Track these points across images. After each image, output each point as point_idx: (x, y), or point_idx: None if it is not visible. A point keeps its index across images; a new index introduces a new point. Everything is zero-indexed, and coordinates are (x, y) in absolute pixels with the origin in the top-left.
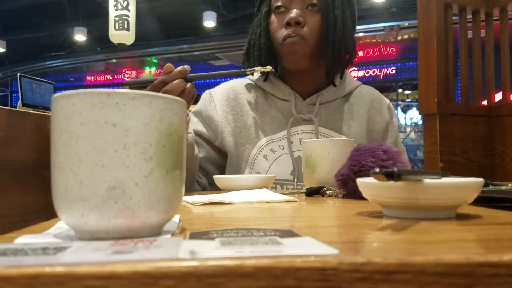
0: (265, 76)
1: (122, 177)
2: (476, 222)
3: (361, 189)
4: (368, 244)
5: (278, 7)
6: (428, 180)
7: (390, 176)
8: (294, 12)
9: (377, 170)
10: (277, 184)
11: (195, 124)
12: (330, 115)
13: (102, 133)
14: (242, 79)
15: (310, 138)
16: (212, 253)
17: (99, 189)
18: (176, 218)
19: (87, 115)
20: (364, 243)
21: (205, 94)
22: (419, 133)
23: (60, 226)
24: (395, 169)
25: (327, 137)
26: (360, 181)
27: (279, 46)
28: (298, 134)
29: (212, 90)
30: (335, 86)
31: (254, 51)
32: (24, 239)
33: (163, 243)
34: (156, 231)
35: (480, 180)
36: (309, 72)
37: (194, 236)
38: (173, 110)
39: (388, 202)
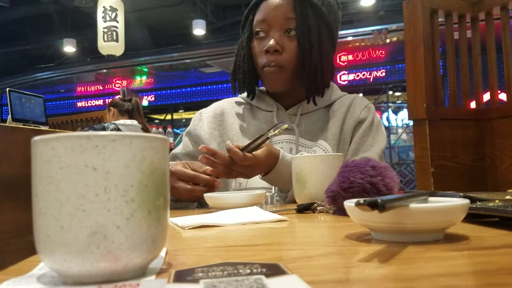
0: (251, 95)
1: (104, 221)
2: (464, 246)
3: (349, 213)
4: (354, 283)
5: (258, 33)
6: (414, 205)
7: (375, 206)
8: (272, 40)
9: (362, 201)
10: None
11: (186, 145)
12: (309, 125)
13: (83, 177)
14: (233, 97)
15: (290, 148)
16: None
17: (80, 234)
18: (162, 252)
19: (67, 159)
20: (349, 281)
21: (196, 114)
22: (411, 134)
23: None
24: (379, 199)
25: (305, 147)
26: (347, 205)
27: (259, 71)
28: (279, 143)
29: (203, 110)
30: (315, 104)
31: (239, 73)
32: (6, 286)
33: None
34: (140, 272)
35: (466, 202)
36: (290, 91)
37: (179, 277)
38: (155, 149)
39: (375, 226)
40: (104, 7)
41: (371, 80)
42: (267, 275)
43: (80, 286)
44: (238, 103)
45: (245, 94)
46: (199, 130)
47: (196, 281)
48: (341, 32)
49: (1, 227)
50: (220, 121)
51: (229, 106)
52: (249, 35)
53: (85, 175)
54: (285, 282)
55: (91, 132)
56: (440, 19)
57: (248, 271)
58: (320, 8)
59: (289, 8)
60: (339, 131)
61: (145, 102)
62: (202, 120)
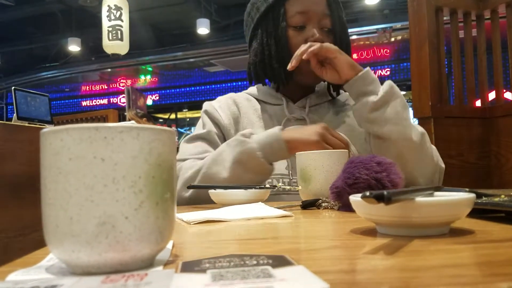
0: (276, 86)
1: (112, 211)
2: (469, 240)
3: (354, 207)
4: (360, 273)
5: (297, 24)
6: (419, 199)
7: (381, 199)
8: (317, 33)
9: (368, 193)
10: (273, 179)
11: (206, 124)
12: (319, 116)
13: (91, 168)
14: (238, 92)
15: None
16: None
17: (89, 225)
18: (169, 245)
19: (76, 150)
20: (355, 272)
21: (207, 106)
22: None
23: (53, 256)
24: (385, 192)
25: None
26: (352, 199)
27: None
28: None
29: (211, 102)
30: (333, 98)
31: (273, 63)
32: (16, 276)
33: (154, 278)
34: (148, 263)
35: (472, 196)
36: (300, 85)
37: (186, 267)
38: (162, 141)
39: (381, 220)
40: (109, 6)
41: None
42: (274, 266)
43: (88, 276)
44: (245, 97)
45: (250, 89)
46: (218, 116)
47: (203, 271)
48: None
49: (5, 225)
50: (233, 110)
51: (239, 100)
52: (285, 25)
53: (94, 166)
54: (292, 272)
55: (99, 124)
56: (445, 17)
57: (255, 262)
58: (342, 7)
59: (325, 4)
60: (349, 127)
61: (149, 101)
62: (216, 109)
